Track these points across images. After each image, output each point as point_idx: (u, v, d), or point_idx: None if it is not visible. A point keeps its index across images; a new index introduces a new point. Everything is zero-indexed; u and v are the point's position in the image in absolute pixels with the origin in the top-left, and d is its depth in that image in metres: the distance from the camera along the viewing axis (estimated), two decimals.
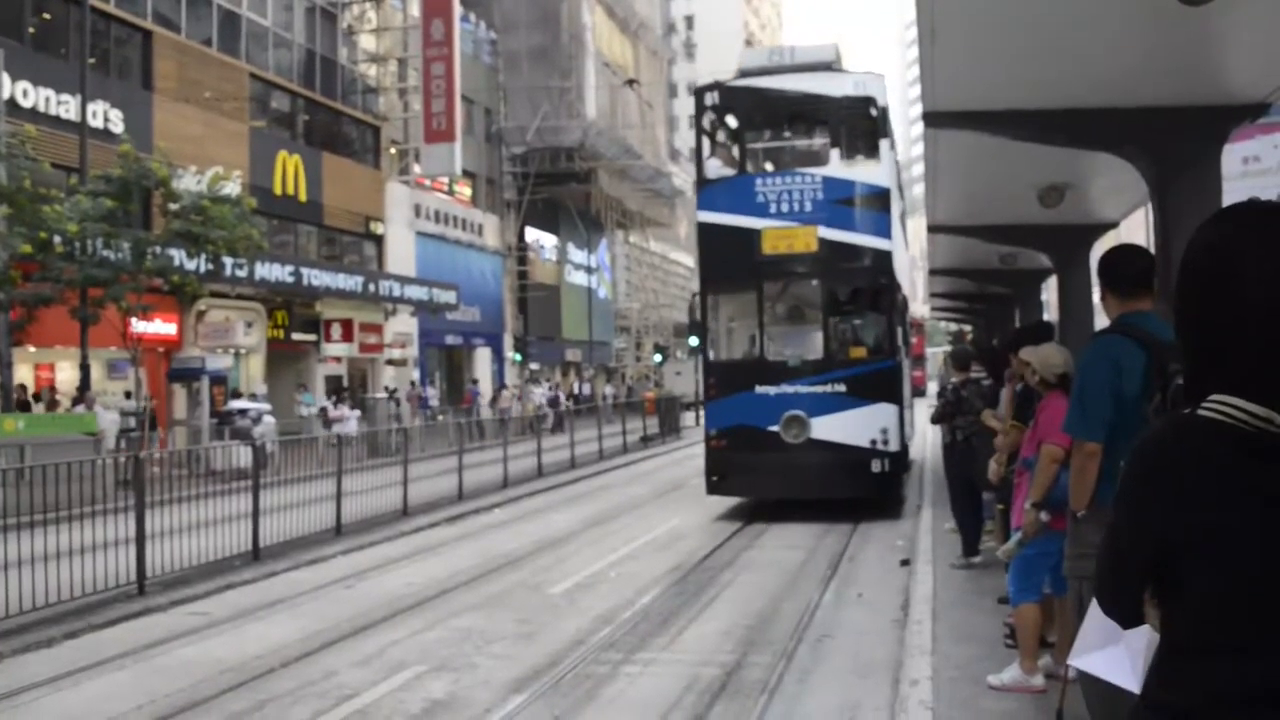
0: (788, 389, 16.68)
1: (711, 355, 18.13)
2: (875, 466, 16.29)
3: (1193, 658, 2.04)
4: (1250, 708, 1.93)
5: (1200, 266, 2.10)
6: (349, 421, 30.51)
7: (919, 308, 58.98)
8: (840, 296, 17.80)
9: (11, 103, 24.73)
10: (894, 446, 16.54)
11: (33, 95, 26.10)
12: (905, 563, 12.33)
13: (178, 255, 24.31)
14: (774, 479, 16.80)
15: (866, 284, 17.51)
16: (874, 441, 16.29)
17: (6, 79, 24.13)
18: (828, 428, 16.47)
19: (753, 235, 16.99)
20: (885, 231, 16.99)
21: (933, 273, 31.06)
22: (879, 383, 16.74)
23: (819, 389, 16.57)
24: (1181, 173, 9.16)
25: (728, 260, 17.56)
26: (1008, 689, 7.12)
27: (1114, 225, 18.03)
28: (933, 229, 19.72)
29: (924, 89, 9.54)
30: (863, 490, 16.56)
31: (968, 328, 50.45)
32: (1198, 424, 2.03)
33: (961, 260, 25.08)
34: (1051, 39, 8.05)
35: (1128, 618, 2.22)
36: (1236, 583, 1.98)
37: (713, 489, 17.38)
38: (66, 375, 27.94)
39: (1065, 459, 6.59)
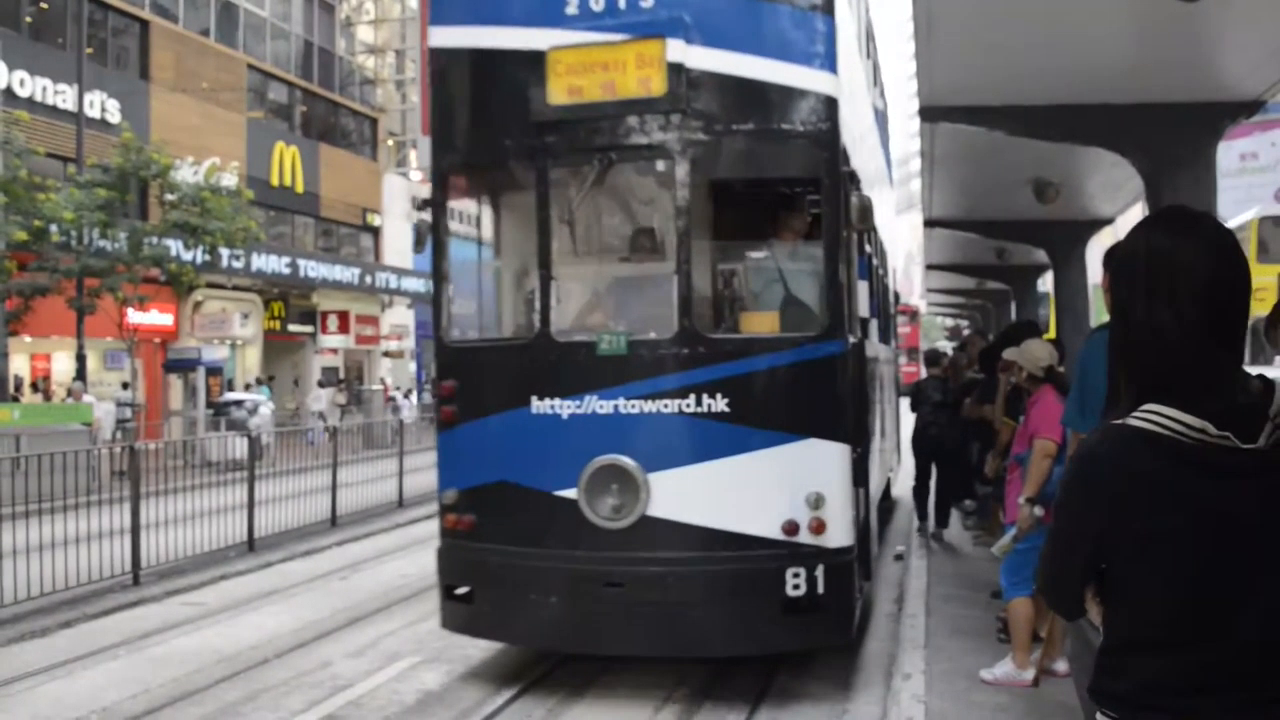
0: (600, 404, 7.58)
1: (448, 331, 8.44)
2: (793, 584, 7.33)
3: (1131, 652, 2.15)
4: (1182, 695, 2.07)
5: (1135, 272, 2.16)
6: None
7: (911, 300, 58.06)
8: (719, 197, 8.75)
9: (8, 92, 24.76)
10: (838, 536, 7.41)
11: (30, 85, 26.07)
12: (899, 557, 12.36)
13: (174, 246, 24.33)
14: (566, 611, 7.65)
15: (780, 169, 8.56)
16: (791, 527, 7.33)
17: (3, 68, 24.14)
18: (684, 494, 7.46)
19: (529, 66, 7.87)
20: (821, 54, 7.71)
21: (929, 268, 31.05)
22: (806, 392, 7.59)
23: (667, 405, 7.49)
24: (1176, 169, 9.20)
25: (481, 122, 8.34)
26: (1000, 683, 7.15)
27: (1110, 221, 18.01)
28: (929, 223, 19.66)
29: (920, 83, 9.56)
30: (764, 640, 7.59)
31: (964, 322, 50.44)
32: (1131, 434, 2.08)
33: (958, 256, 25.05)
34: (1046, 34, 8.06)
35: (1070, 612, 2.35)
36: (1171, 586, 2.08)
37: (450, 619, 8.18)
38: (63, 365, 27.93)
39: (1058, 454, 6.63)
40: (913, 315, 54.98)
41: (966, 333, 32.06)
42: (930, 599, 9.76)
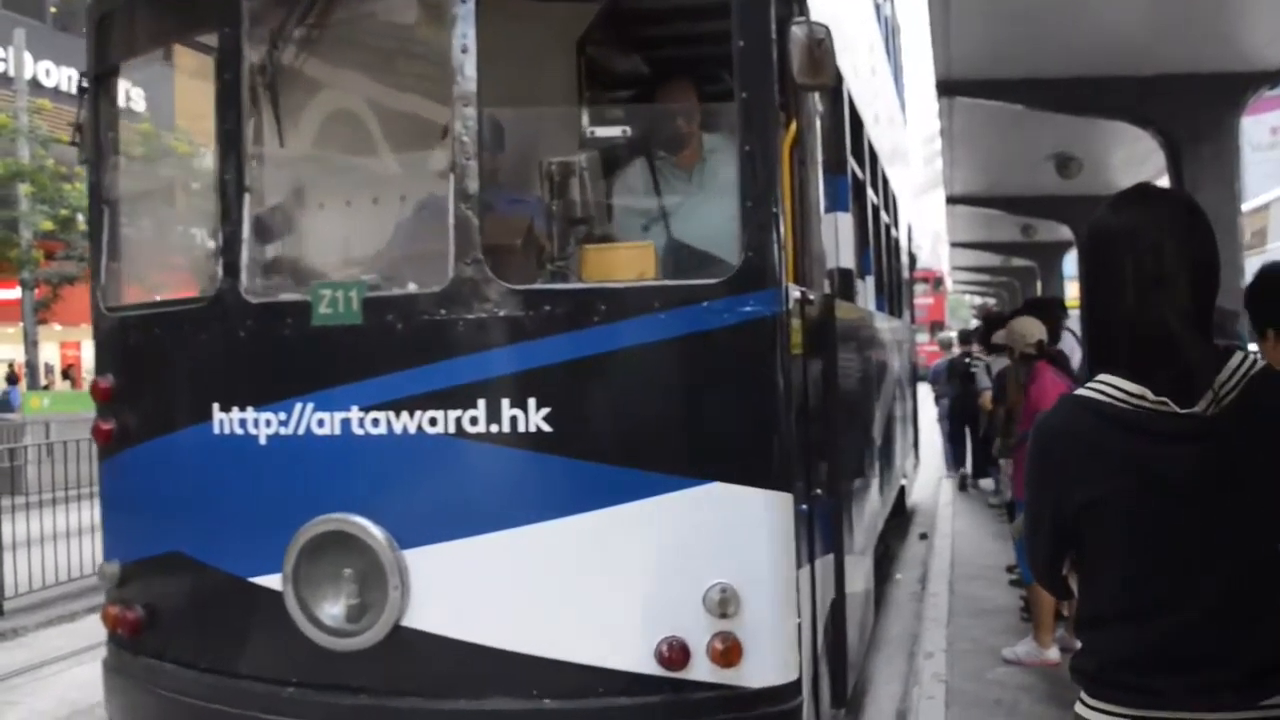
0: (319, 419, 4.03)
1: (109, 289, 4.97)
2: None
3: (1094, 627, 2.22)
4: (1141, 673, 2.11)
5: (1095, 248, 2.24)
6: None
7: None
8: (539, 36, 5.58)
9: (34, 83, 24.91)
10: (769, 668, 3.89)
11: (55, 75, 26.22)
12: (924, 536, 12.33)
13: (199, 233, 24.50)
14: None
15: None
16: (674, 653, 3.78)
17: (29, 58, 24.28)
18: (472, 590, 3.96)
19: None
20: None
21: (954, 245, 30.96)
22: (706, 394, 3.98)
23: (436, 421, 3.90)
24: (1197, 141, 9.13)
25: None
26: (1022, 662, 7.12)
27: None
28: (951, 200, 19.60)
29: (936, 57, 9.50)
30: None
31: (992, 300, 50.23)
32: (1080, 403, 2.17)
33: (982, 233, 24.99)
34: (1064, 4, 7.99)
35: (1055, 590, 2.40)
36: (1120, 556, 2.14)
37: None
38: (93, 353, 28.20)
39: None
40: (936, 283, 45.84)
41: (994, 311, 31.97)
42: (954, 577, 9.73)
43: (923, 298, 35.20)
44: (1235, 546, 2.07)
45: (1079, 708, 2.22)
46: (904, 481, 11.43)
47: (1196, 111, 9.22)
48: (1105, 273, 2.18)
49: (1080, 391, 2.18)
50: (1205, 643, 2.06)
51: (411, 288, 4.18)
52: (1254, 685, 2.04)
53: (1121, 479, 2.10)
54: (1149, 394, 2.07)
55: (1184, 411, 2.05)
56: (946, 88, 10.27)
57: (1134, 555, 2.12)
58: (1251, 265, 7.44)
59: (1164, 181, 16.74)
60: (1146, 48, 8.79)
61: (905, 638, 8.40)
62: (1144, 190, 2.32)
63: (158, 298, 5.33)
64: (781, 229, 4.05)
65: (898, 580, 10.29)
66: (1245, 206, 18.59)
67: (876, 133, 7.89)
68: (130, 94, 27.88)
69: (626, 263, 4.31)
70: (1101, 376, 2.14)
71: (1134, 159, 14.17)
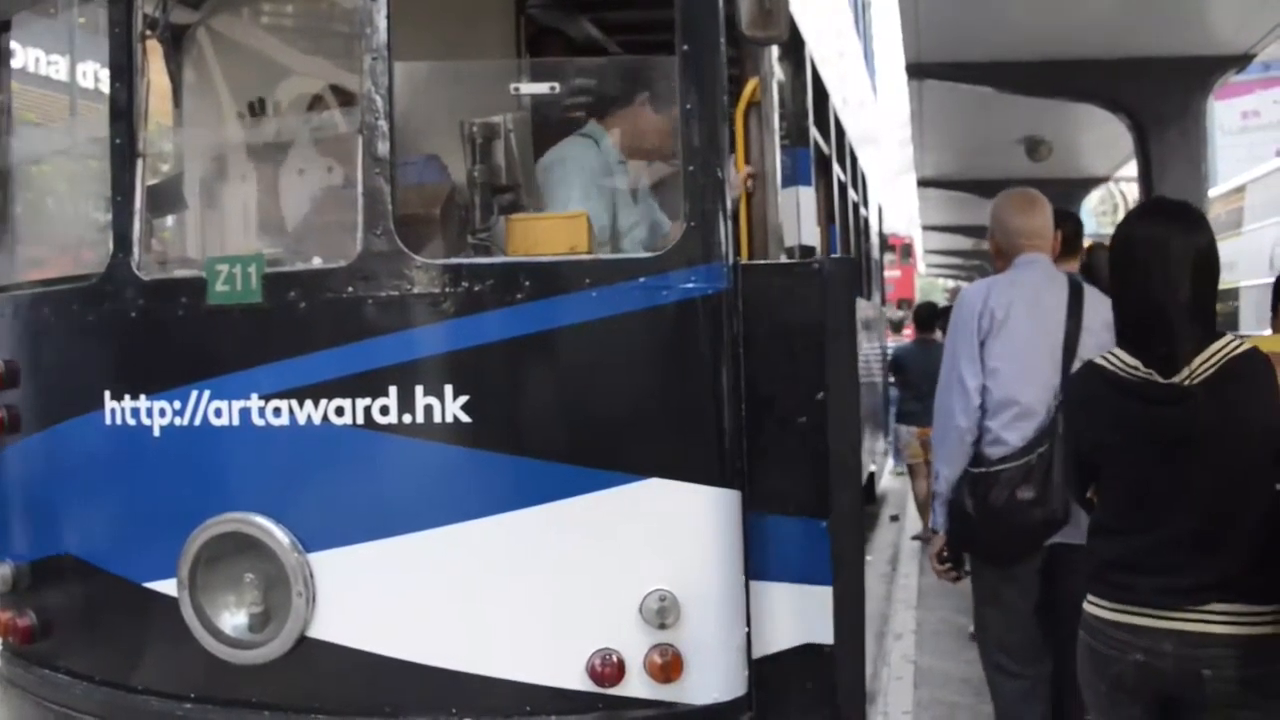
0: (217, 408, 3.62)
1: None
2: None
3: (1097, 536, 2.93)
4: (1122, 572, 2.78)
5: (1115, 250, 2.88)
6: None
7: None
8: None
9: None
10: (712, 682, 3.52)
11: (21, 56, 25.94)
12: (895, 518, 12.39)
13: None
14: None
15: None
16: (607, 668, 3.43)
17: None
18: (385, 598, 3.58)
19: None
20: None
21: (925, 229, 31.02)
22: (643, 380, 3.62)
23: (342, 411, 3.51)
24: (1164, 125, 9.21)
25: None
26: None
27: (1104, 180, 17.99)
28: (922, 183, 19.66)
29: (905, 39, 9.51)
30: None
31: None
32: (1094, 369, 2.86)
33: (954, 216, 25.05)
34: None
35: (1080, 501, 3.26)
36: (1116, 486, 2.87)
37: None
38: None
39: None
40: (905, 252, 40.91)
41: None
42: (924, 559, 9.77)
43: (889, 269, 30.12)
44: (1200, 489, 2.66)
45: (1085, 604, 2.87)
46: (873, 468, 10.57)
47: (1164, 95, 9.30)
48: (1125, 269, 2.80)
49: (1095, 360, 2.85)
50: (1170, 559, 2.68)
51: (316, 262, 3.84)
52: (1201, 593, 2.64)
53: (1117, 431, 2.77)
54: (1141, 365, 2.70)
55: (1166, 381, 2.66)
56: (916, 70, 10.29)
57: (1124, 490, 2.83)
58: (1225, 247, 7.52)
59: (1132, 165, 16.88)
60: (1115, 31, 8.82)
61: (875, 619, 8.42)
62: (1159, 203, 3.12)
63: (51, 275, 4.65)
64: (730, 198, 3.64)
65: (869, 562, 10.31)
66: (1219, 190, 18.73)
67: (844, 105, 7.50)
68: (99, 76, 27.69)
69: (556, 234, 3.80)
70: (1113, 349, 2.80)
71: (1103, 142, 14.24)
